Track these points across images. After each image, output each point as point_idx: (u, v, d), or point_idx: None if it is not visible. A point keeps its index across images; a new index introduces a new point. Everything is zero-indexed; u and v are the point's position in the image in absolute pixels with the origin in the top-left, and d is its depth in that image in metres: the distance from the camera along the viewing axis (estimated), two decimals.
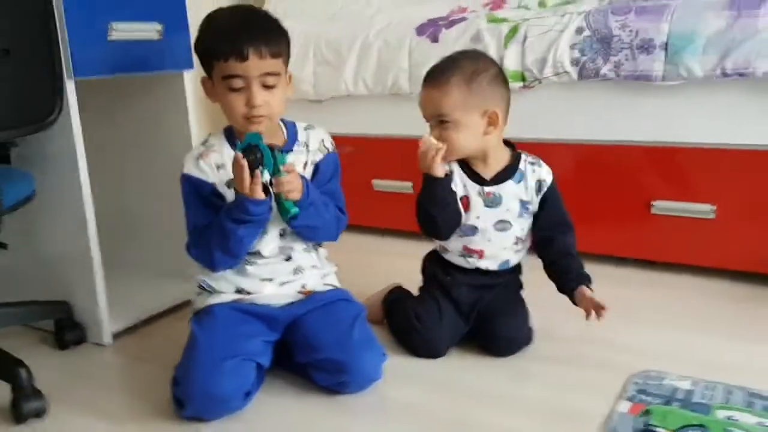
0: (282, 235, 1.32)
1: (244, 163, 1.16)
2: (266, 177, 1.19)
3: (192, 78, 1.63)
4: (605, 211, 1.91)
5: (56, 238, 1.57)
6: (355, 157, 2.22)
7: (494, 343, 1.42)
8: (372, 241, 2.31)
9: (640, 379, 1.30)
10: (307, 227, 1.30)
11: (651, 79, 1.75)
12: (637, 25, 1.76)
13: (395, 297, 1.56)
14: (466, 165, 1.42)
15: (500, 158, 1.42)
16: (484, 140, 1.37)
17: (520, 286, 1.51)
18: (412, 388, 1.32)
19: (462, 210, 1.41)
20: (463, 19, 2.09)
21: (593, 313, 1.32)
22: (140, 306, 1.70)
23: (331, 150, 1.38)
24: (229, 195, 1.28)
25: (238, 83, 1.22)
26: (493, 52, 1.94)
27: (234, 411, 1.23)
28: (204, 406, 1.19)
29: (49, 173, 1.50)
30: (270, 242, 1.31)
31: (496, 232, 1.41)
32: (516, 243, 1.44)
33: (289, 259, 1.34)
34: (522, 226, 1.43)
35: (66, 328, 1.56)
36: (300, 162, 1.32)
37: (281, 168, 1.18)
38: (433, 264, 1.51)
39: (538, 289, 1.47)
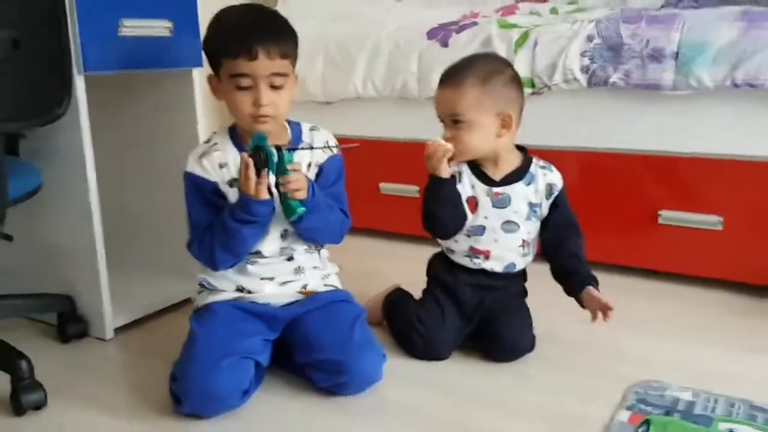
0: (283, 236, 1.32)
1: (251, 162, 1.17)
2: (272, 178, 1.20)
3: (200, 76, 1.63)
4: (612, 220, 1.90)
5: (61, 232, 1.58)
6: (363, 160, 2.22)
7: (496, 349, 1.42)
8: (378, 244, 2.31)
9: (641, 388, 1.29)
10: (311, 229, 1.30)
11: (661, 88, 1.75)
12: (648, 34, 1.75)
13: (395, 299, 1.56)
14: (475, 166, 1.42)
15: (511, 161, 1.42)
16: (497, 142, 1.38)
17: (524, 292, 1.51)
18: (412, 390, 1.32)
19: (468, 211, 1.41)
20: (474, 24, 2.09)
21: (599, 315, 1.32)
22: (143, 302, 1.70)
23: (335, 152, 1.38)
24: (231, 194, 1.28)
25: (245, 82, 1.22)
26: None
27: (231, 409, 1.23)
28: (201, 403, 1.19)
29: (56, 166, 1.51)
30: (271, 243, 1.32)
31: (504, 233, 1.41)
32: (522, 246, 1.43)
33: (290, 259, 1.34)
34: (529, 229, 1.43)
35: (68, 322, 1.57)
36: (303, 163, 1.32)
37: (287, 167, 1.19)
38: (438, 265, 1.50)
39: (541, 295, 1.47)
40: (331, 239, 1.38)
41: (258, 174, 1.18)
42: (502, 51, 1.96)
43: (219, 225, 1.25)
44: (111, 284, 1.57)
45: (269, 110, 1.23)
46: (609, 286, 1.83)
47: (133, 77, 1.68)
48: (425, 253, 1.56)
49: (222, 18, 1.28)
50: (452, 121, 1.37)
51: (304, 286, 1.36)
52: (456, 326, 1.44)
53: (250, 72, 1.21)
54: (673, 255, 1.84)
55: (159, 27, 1.57)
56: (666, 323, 1.62)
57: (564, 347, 1.48)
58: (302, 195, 1.21)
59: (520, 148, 1.45)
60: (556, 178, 1.43)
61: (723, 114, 1.72)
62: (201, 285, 1.37)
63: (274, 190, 1.22)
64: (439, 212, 1.39)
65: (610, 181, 1.89)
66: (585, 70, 1.85)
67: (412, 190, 2.19)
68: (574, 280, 1.39)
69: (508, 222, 1.41)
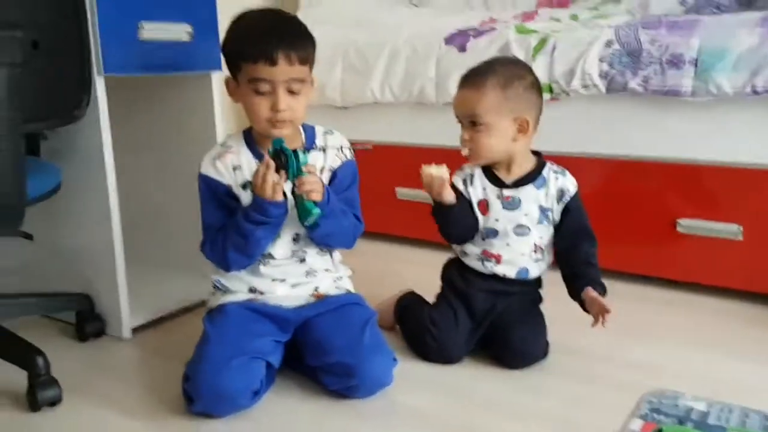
0: (295, 239, 1.33)
1: (272, 164, 1.18)
2: (288, 183, 1.21)
3: (219, 79, 1.65)
4: (630, 228, 1.88)
5: (80, 231, 1.60)
6: (379, 165, 2.23)
7: (508, 355, 1.41)
8: (393, 249, 2.31)
9: (654, 397, 1.28)
10: (326, 234, 1.31)
11: (680, 94, 1.73)
12: (668, 40, 1.74)
13: (407, 302, 1.56)
14: (487, 168, 1.43)
15: (524, 165, 1.43)
16: (512, 146, 1.39)
17: (539, 299, 1.50)
18: (423, 394, 1.32)
19: (479, 213, 1.42)
20: (492, 29, 2.09)
21: (599, 320, 1.31)
22: (160, 302, 1.72)
23: (349, 157, 1.38)
24: (244, 196, 1.29)
25: (264, 87, 1.23)
26: None
27: (242, 409, 1.23)
28: (211, 402, 1.20)
29: (76, 167, 1.53)
30: (283, 246, 1.33)
31: (515, 236, 1.41)
32: (535, 251, 1.43)
33: (302, 261, 1.35)
34: (541, 233, 1.43)
35: (86, 321, 1.59)
36: (317, 166, 1.32)
37: (302, 168, 1.19)
38: (452, 270, 1.51)
39: (557, 303, 1.46)
40: (344, 244, 1.38)
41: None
42: (520, 56, 1.95)
43: (232, 226, 1.26)
44: (129, 284, 1.59)
45: (286, 115, 1.24)
46: (626, 295, 1.83)
47: (152, 79, 1.70)
48: (440, 258, 1.56)
49: (242, 22, 1.28)
50: (470, 123, 1.38)
51: (316, 289, 1.37)
52: (467, 330, 1.44)
53: (270, 77, 1.22)
54: (691, 264, 1.82)
55: (179, 31, 1.59)
56: (682, 333, 1.60)
57: (578, 355, 1.47)
58: (317, 197, 1.22)
59: (535, 153, 1.46)
60: (568, 182, 1.42)
61: (743, 121, 1.69)
62: (214, 286, 1.38)
63: (288, 193, 1.23)
64: (452, 230, 1.44)
65: (629, 189, 1.88)
66: (604, 75, 1.84)
67: (428, 195, 2.18)
68: (579, 283, 1.38)
69: (519, 225, 1.41)
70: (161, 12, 1.54)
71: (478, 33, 2.09)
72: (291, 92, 1.24)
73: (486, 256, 1.43)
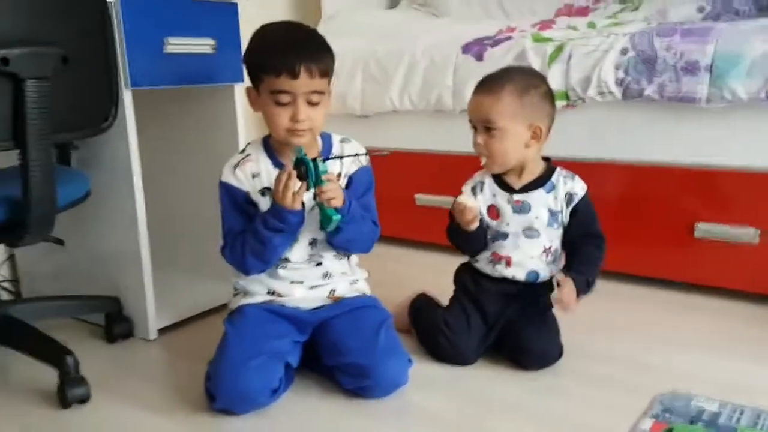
0: (312, 244, 1.37)
1: (294, 174, 1.22)
2: (309, 193, 1.25)
3: (242, 90, 1.70)
4: (649, 233, 1.89)
5: (109, 237, 1.66)
6: (398, 172, 2.27)
7: (523, 357, 1.43)
8: (412, 253, 2.34)
9: (666, 398, 1.29)
10: (347, 240, 1.34)
11: (695, 101, 1.74)
12: (682, 47, 1.75)
13: (420, 305, 1.59)
14: (497, 175, 1.47)
15: (535, 171, 1.46)
16: (524, 153, 1.42)
17: (551, 303, 1.51)
18: (436, 395, 1.35)
19: (490, 219, 1.46)
20: (508, 38, 2.12)
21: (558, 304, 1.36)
22: (185, 304, 1.78)
23: (365, 163, 1.42)
24: (262, 203, 1.34)
25: (285, 98, 1.26)
26: None
27: (261, 407, 1.28)
28: (231, 400, 1.25)
29: (105, 175, 1.60)
30: (300, 250, 1.37)
31: (525, 239, 1.44)
32: (545, 254, 1.45)
33: (319, 264, 1.39)
34: (551, 236, 1.45)
35: (115, 322, 1.65)
36: (334, 173, 1.35)
37: (322, 177, 1.23)
38: (464, 274, 1.54)
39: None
40: (362, 249, 1.42)
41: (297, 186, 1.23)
42: (536, 64, 1.98)
43: (251, 232, 1.30)
44: (155, 287, 1.64)
45: (306, 125, 1.28)
46: (644, 298, 1.85)
47: (177, 91, 1.76)
48: (457, 262, 1.59)
49: (265, 35, 1.32)
50: (485, 128, 1.40)
51: (332, 291, 1.41)
52: (480, 333, 1.47)
53: (291, 89, 1.25)
54: (709, 268, 1.82)
55: (203, 45, 1.65)
56: (699, 336, 1.61)
57: (592, 358, 1.48)
58: (337, 203, 1.25)
59: (545, 158, 1.48)
60: (577, 186, 1.45)
61: (757, 126, 1.70)
62: (235, 288, 1.43)
63: (306, 201, 1.27)
64: (467, 248, 1.51)
65: (646, 194, 1.89)
66: (619, 82, 1.86)
67: (446, 201, 2.19)
68: (568, 274, 1.40)
69: (529, 228, 1.44)
70: (185, 27, 1.60)
71: (495, 42, 2.12)
72: (310, 103, 1.28)
73: (496, 258, 1.46)
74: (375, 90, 2.33)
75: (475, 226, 1.41)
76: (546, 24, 2.30)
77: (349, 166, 1.40)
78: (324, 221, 1.27)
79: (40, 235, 1.34)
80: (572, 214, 1.44)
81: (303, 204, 1.27)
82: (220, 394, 1.25)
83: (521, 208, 1.44)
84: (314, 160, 1.23)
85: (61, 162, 1.56)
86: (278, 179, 1.25)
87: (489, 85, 1.41)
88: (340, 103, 2.38)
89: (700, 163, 1.79)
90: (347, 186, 1.39)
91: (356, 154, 1.41)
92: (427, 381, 1.39)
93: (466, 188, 1.49)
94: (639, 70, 1.82)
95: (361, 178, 1.40)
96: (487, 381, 1.40)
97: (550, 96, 1.43)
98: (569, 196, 1.44)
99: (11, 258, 1.96)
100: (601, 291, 1.90)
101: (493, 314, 1.47)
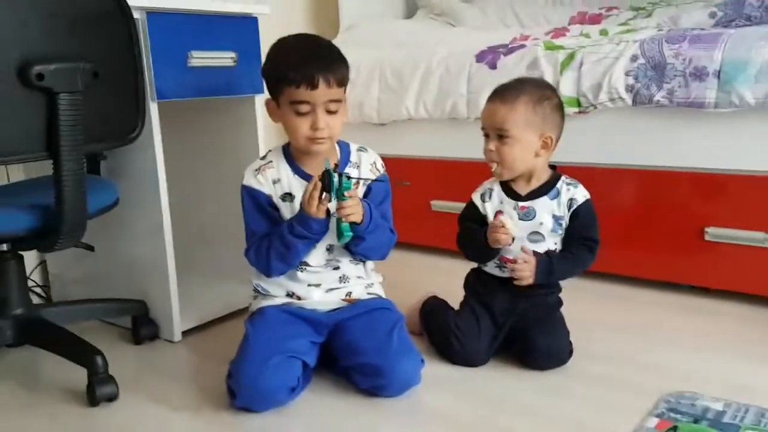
0: (329, 249, 1.43)
1: (319, 184, 1.28)
2: (333, 203, 1.31)
3: (262, 101, 1.76)
4: (659, 237, 1.92)
5: (136, 243, 1.73)
6: (414, 179, 2.32)
7: (533, 358, 1.48)
8: (427, 258, 2.38)
9: (672, 397, 1.32)
10: (368, 248, 1.40)
11: (704, 106, 1.77)
12: (691, 54, 1.78)
13: (431, 307, 1.64)
14: (504, 182, 1.51)
15: (541, 179, 1.50)
16: (534, 161, 1.46)
17: (558, 303, 1.56)
18: (447, 395, 1.39)
19: None
20: (521, 46, 2.16)
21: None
22: (208, 308, 1.84)
23: (382, 172, 1.48)
24: (283, 207, 1.40)
25: (305, 108, 1.32)
26: (549, 78, 2.00)
27: (280, 404, 1.33)
28: (251, 397, 1.30)
29: (133, 184, 1.67)
30: (317, 256, 1.43)
31: (530, 243, 1.48)
32: None
33: (336, 268, 1.45)
34: (555, 241, 1.49)
35: (141, 325, 1.71)
36: (352, 181, 1.40)
37: (345, 193, 1.29)
38: (474, 278, 1.59)
39: (578, 310, 1.51)
40: (379, 257, 1.47)
41: (321, 195, 1.29)
42: (548, 72, 2.02)
43: (276, 237, 1.36)
44: (180, 291, 1.71)
45: (325, 133, 1.34)
46: (655, 301, 1.87)
47: (200, 102, 1.83)
48: (470, 266, 1.63)
49: (282, 48, 1.37)
50: (497, 135, 1.45)
51: (348, 294, 1.46)
52: (490, 335, 1.51)
53: (310, 99, 1.31)
54: (719, 271, 1.84)
55: (224, 58, 1.71)
56: (707, 338, 1.64)
57: (599, 360, 1.51)
58: (356, 218, 1.31)
59: (551, 166, 1.53)
60: (579, 194, 1.49)
61: (766, 131, 1.72)
62: (255, 290, 1.49)
63: (332, 212, 1.33)
64: (479, 259, 1.56)
65: (657, 198, 1.92)
66: (630, 89, 1.89)
67: (462, 207, 2.25)
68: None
69: (534, 233, 1.48)
70: (208, 41, 1.67)
71: (509, 50, 2.17)
72: (329, 112, 1.34)
73: (503, 261, 1.50)
74: (391, 98, 2.38)
75: (504, 246, 1.46)
76: (559, 32, 2.34)
77: (368, 175, 1.45)
78: (338, 234, 1.34)
79: (72, 240, 1.40)
80: (572, 218, 1.49)
81: (328, 212, 1.32)
82: (240, 390, 1.30)
83: (527, 215, 1.48)
84: (340, 175, 1.28)
85: (91, 171, 1.63)
86: (306, 188, 1.31)
87: (504, 94, 1.46)
88: (358, 112, 2.44)
89: (709, 167, 1.82)
90: (366, 194, 1.43)
91: (374, 162, 1.47)
92: (439, 381, 1.44)
93: (476, 196, 1.55)
94: (649, 77, 1.86)
95: (379, 188, 1.45)
96: (496, 381, 1.44)
97: (560, 108, 1.48)
98: (570, 202, 1.48)
99: (42, 264, 2.04)
100: (613, 294, 1.95)
101: (502, 314, 1.51)
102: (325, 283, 1.45)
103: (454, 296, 1.63)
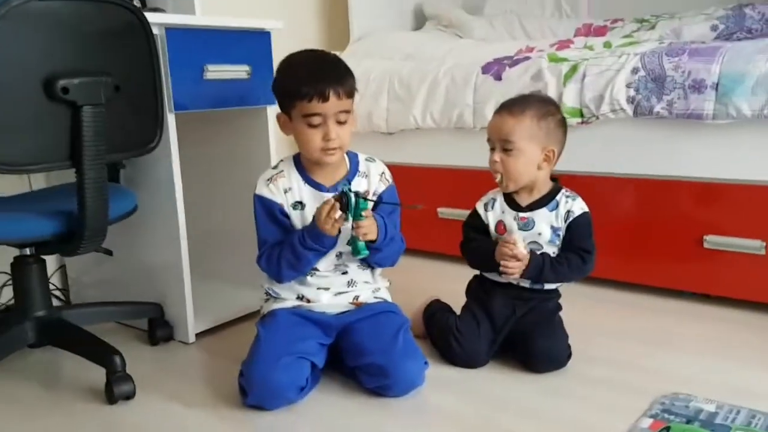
0: (338, 256, 1.49)
1: (337, 205, 1.34)
2: (349, 222, 1.37)
3: (274, 112, 1.82)
4: (658, 244, 1.97)
5: (153, 248, 1.79)
6: (422, 187, 2.37)
7: (533, 360, 1.52)
8: (434, 264, 2.43)
9: (667, 399, 1.36)
10: (382, 258, 1.48)
11: (702, 117, 1.82)
12: (690, 66, 1.83)
13: (433, 311, 1.69)
14: (507, 193, 1.57)
15: (542, 191, 1.56)
16: (536, 173, 1.52)
17: (557, 308, 1.61)
18: (450, 395, 1.44)
19: (498, 234, 1.57)
20: (526, 58, 2.22)
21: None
22: (222, 310, 1.90)
23: (390, 182, 1.54)
24: (294, 215, 1.47)
25: (316, 120, 1.38)
26: (552, 90, 2.06)
27: (290, 402, 1.39)
28: (262, 395, 1.36)
29: (151, 192, 1.73)
30: (326, 261, 1.48)
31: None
32: None
33: (345, 273, 1.51)
34: (553, 251, 1.55)
35: (157, 327, 1.77)
36: (361, 190, 1.47)
37: (362, 213, 1.35)
38: (476, 283, 1.65)
39: (575, 313, 1.56)
40: (389, 264, 1.54)
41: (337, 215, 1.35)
42: (551, 83, 2.08)
43: (288, 248, 1.42)
44: (194, 294, 1.76)
45: (336, 143, 1.40)
46: (654, 307, 1.91)
47: (215, 113, 1.89)
48: (474, 272, 1.69)
49: (292, 65, 1.44)
50: (503, 148, 1.51)
51: (356, 298, 1.52)
52: (489, 338, 1.56)
53: (322, 111, 1.37)
54: (717, 279, 1.89)
55: (239, 71, 1.77)
56: (704, 343, 1.67)
57: (598, 363, 1.56)
58: (371, 237, 1.38)
59: (553, 179, 1.59)
60: (576, 206, 1.54)
61: (762, 142, 1.77)
62: (266, 293, 1.55)
63: (343, 228, 1.39)
64: (483, 269, 1.62)
65: (657, 207, 1.96)
66: (631, 100, 1.94)
67: (467, 214, 2.31)
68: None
69: (532, 242, 1.54)
70: (223, 55, 1.73)
71: (514, 62, 2.22)
72: (339, 122, 1.40)
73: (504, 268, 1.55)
74: (399, 108, 2.44)
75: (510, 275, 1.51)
76: (564, 44, 2.39)
77: (377, 185, 1.51)
78: (353, 251, 1.41)
79: (94, 245, 1.46)
80: (568, 229, 1.54)
81: (340, 231, 1.39)
82: (252, 389, 1.36)
83: (526, 225, 1.54)
84: (357, 195, 1.34)
85: (111, 179, 1.68)
86: (322, 207, 1.36)
87: (512, 107, 1.52)
88: (367, 121, 2.50)
89: (707, 177, 1.87)
90: (374, 207, 1.48)
91: (382, 173, 1.53)
92: (442, 382, 1.49)
93: (479, 205, 1.61)
94: (649, 89, 1.91)
95: (387, 197, 1.51)
96: (497, 382, 1.49)
97: (563, 124, 1.55)
98: (568, 214, 1.54)
99: (62, 268, 2.10)
100: (614, 300, 1.99)
101: (501, 319, 1.57)
102: (334, 287, 1.51)
103: (459, 301, 1.68)
